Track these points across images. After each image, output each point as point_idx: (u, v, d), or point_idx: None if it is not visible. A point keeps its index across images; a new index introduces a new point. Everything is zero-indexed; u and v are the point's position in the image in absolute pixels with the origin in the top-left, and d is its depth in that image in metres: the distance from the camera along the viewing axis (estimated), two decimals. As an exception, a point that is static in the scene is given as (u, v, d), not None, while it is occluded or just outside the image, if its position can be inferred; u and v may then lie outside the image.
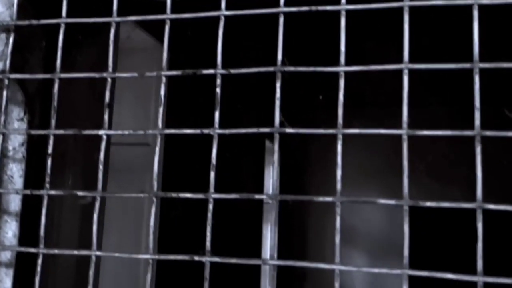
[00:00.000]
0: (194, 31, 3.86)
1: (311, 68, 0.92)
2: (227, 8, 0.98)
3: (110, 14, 1.05)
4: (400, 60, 0.87)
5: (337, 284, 0.75)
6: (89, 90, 2.05)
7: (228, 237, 4.78)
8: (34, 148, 1.41)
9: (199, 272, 0.93)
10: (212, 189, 0.87)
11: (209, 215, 0.84)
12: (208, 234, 0.84)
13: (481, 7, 0.84)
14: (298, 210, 7.86)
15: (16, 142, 1.32)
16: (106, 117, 1.02)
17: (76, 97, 1.98)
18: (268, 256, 7.49)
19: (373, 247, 7.41)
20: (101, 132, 1.00)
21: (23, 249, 0.99)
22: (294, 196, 0.79)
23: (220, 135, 0.91)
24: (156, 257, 0.84)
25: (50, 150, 1.04)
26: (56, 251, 0.92)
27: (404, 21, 0.85)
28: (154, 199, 0.89)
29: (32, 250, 0.94)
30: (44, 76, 1.14)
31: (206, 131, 0.94)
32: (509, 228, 6.31)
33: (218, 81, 0.96)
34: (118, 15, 1.04)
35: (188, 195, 0.88)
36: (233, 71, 0.96)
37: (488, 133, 0.75)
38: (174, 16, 0.99)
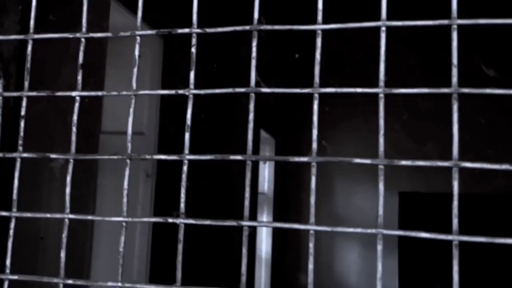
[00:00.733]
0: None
1: (288, 27, 0.90)
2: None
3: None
4: (377, 17, 0.85)
5: (311, 245, 0.74)
6: (67, 54, 2.02)
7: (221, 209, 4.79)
8: (10, 112, 1.39)
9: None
10: (186, 150, 0.85)
11: (184, 176, 0.83)
12: (182, 196, 0.82)
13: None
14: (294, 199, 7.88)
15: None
16: (79, 78, 1.00)
17: (55, 61, 1.95)
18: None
19: (366, 236, 7.44)
20: (74, 93, 0.98)
21: (-4, 213, 0.98)
22: (268, 157, 0.78)
23: (195, 95, 0.90)
24: (130, 219, 0.83)
25: (23, 112, 1.02)
26: (28, 215, 0.90)
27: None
28: (128, 161, 0.88)
29: (4, 213, 0.92)
30: (17, 37, 1.12)
31: (180, 91, 0.93)
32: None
33: (194, 41, 0.94)
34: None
35: (162, 156, 0.87)
36: (208, 30, 0.94)
37: (465, 90, 0.74)
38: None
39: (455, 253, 0.70)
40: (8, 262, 0.88)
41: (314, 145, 0.79)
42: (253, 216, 6.73)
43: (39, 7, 1.07)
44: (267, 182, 7.59)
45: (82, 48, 1.01)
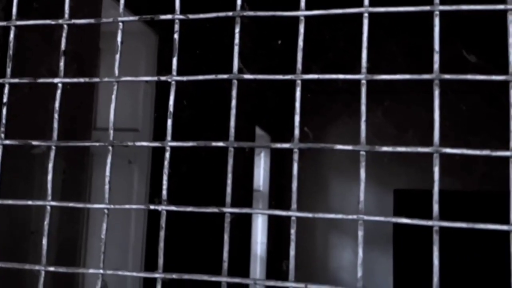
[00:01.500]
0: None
1: (271, 13, 0.90)
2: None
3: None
4: (360, 4, 0.85)
5: (292, 231, 0.74)
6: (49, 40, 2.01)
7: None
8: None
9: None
10: (169, 137, 0.85)
11: (166, 163, 0.82)
12: (165, 183, 0.82)
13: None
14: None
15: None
16: (61, 64, 1.00)
17: (39, 48, 1.94)
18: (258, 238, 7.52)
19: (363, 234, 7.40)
20: (56, 80, 0.98)
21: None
22: (250, 144, 0.78)
23: (177, 81, 0.89)
24: (112, 206, 0.83)
25: (5, 99, 1.01)
26: (10, 202, 0.90)
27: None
28: (110, 148, 0.87)
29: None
30: (0, 24, 1.11)
31: (163, 78, 0.92)
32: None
33: (176, 27, 0.94)
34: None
35: (145, 143, 0.87)
36: (191, 16, 0.94)
37: (447, 76, 0.74)
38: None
39: (435, 238, 0.71)
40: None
41: (296, 131, 0.79)
42: (248, 214, 6.71)
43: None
44: (262, 179, 7.56)
45: (64, 34, 1.00)
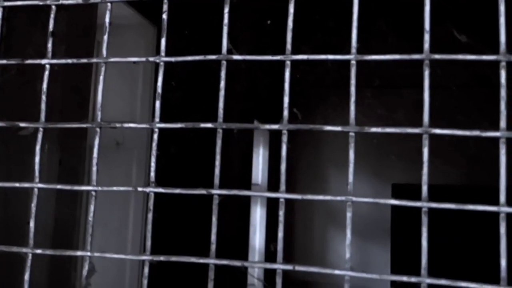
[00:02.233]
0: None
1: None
2: None
3: None
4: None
5: (281, 213, 0.74)
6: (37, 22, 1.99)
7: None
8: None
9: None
10: (157, 118, 0.85)
11: (154, 144, 0.82)
12: (153, 164, 0.82)
13: None
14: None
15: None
16: (49, 45, 0.99)
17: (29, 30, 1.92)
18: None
19: (360, 227, 7.45)
20: (44, 61, 0.97)
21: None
22: (238, 125, 0.78)
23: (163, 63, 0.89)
24: (99, 188, 0.83)
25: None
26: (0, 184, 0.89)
27: None
28: (98, 130, 0.87)
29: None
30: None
31: (151, 59, 0.92)
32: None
33: (165, 7, 0.93)
34: None
35: (132, 125, 0.86)
36: (178, -4, 0.93)
37: (437, 56, 0.74)
38: None
39: (424, 220, 0.70)
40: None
41: (285, 112, 0.79)
42: (247, 206, 6.68)
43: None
44: (261, 173, 7.52)
45: (52, 15, 0.99)
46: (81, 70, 2.92)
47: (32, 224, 0.84)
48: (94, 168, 0.85)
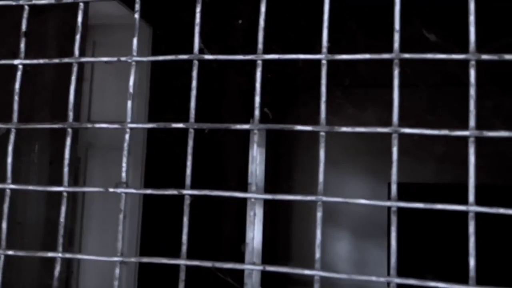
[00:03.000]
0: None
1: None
2: None
3: None
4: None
5: (251, 213, 0.74)
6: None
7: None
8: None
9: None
10: (128, 118, 0.84)
11: (125, 145, 0.82)
12: (124, 165, 0.81)
13: None
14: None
15: None
16: (22, 46, 0.98)
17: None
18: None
19: (356, 226, 7.43)
20: (16, 61, 0.97)
21: None
22: (210, 125, 0.78)
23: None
24: (70, 189, 0.82)
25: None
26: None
27: None
28: (70, 130, 0.86)
29: None
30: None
31: (123, 58, 0.91)
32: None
33: (137, 7, 0.93)
34: None
35: (104, 125, 0.86)
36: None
37: (406, 55, 0.74)
38: None
39: (393, 219, 0.71)
40: None
41: (257, 112, 0.79)
42: (243, 206, 6.64)
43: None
44: (257, 173, 7.46)
45: (25, 15, 0.99)
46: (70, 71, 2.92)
47: (4, 225, 0.84)
48: (66, 169, 0.84)
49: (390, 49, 0.78)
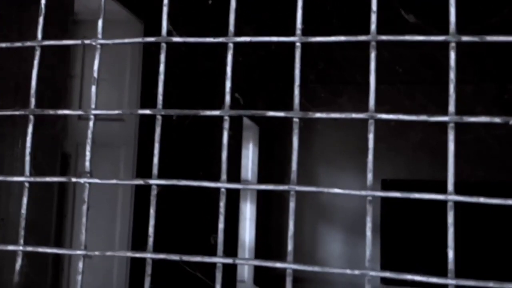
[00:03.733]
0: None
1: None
2: None
3: None
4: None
5: (221, 203, 0.70)
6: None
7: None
8: None
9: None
10: (93, 105, 0.81)
11: (89, 132, 0.78)
12: (88, 153, 0.78)
13: None
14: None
15: None
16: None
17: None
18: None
19: (349, 223, 7.42)
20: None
21: None
22: (178, 111, 0.74)
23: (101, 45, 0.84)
24: (32, 179, 0.78)
25: None
26: None
27: None
28: (32, 117, 0.82)
29: None
30: None
31: (87, 41, 0.88)
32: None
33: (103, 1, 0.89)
34: None
35: (67, 112, 0.82)
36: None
37: (383, 37, 0.71)
38: None
39: (369, 208, 0.68)
40: None
41: (227, 97, 0.75)
42: (236, 203, 6.60)
43: None
44: (250, 169, 7.42)
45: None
46: (56, 60, 2.93)
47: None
48: (27, 158, 0.80)
49: (367, 32, 0.75)
